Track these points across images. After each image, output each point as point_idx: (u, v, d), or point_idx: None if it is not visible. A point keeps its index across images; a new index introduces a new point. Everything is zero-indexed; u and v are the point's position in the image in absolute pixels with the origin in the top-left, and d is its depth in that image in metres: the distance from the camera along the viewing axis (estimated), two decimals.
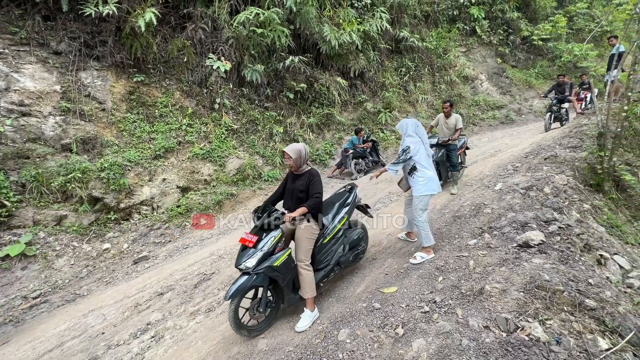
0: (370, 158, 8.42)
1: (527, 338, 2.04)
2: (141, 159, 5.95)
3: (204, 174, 6.64)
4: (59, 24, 5.83)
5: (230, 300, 2.52)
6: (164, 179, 6.11)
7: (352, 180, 7.75)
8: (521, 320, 2.19)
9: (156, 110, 6.62)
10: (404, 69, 11.43)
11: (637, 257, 3.57)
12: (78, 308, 3.82)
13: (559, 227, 3.30)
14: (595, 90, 9.30)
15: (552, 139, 6.62)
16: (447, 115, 5.60)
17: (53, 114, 5.40)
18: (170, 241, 5.45)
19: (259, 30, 7.31)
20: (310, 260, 2.84)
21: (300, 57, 8.09)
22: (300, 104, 8.81)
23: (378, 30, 9.64)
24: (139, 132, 6.20)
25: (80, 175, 5.13)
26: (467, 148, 6.46)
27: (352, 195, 3.43)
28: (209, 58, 7.06)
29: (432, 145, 5.48)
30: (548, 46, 15.16)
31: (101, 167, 5.41)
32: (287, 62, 7.86)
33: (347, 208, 3.29)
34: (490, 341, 2.09)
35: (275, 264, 2.62)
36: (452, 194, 5.46)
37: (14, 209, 4.62)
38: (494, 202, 4.34)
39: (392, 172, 3.43)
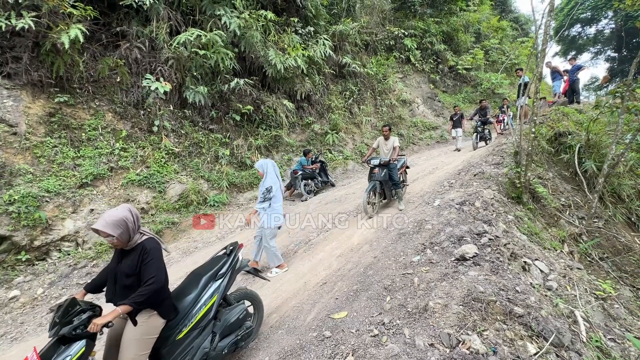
0: (320, 179, 8.52)
1: (468, 352, 2.13)
2: (63, 189, 5.26)
3: (141, 201, 6.09)
4: None
5: None
6: (92, 210, 5.45)
7: (302, 201, 7.74)
8: (462, 334, 2.29)
9: (83, 134, 5.97)
10: (348, 93, 12.02)
11: (553, 261, 4.04)
12: None
13: (489, 239, 3.61)
14: (510, 114, 10.72)
15: (479, 157, 7.38)
16: (387, 138, 6.01)
17: None
18: None
19: (202, 52, 7.15)
20: None
21: (246, 79, 8.05)
22: (248, 125, 8.68)
23: (322, 55, 10.07)
24: (60, 158, 5.51)
25: None
26: (408, 167, 6.90)
27: (229, 261, 2.60)
28: (146, 78, 6.66)
29: (375, 166, 5.75)
30: (470, 74, 17.25)
31: (10, 200, 4.65)
32: (232, 84, 7.75)
33: (219, 282, 2.45)
34: (436, 359, 2.14)
35: None
36: (399, 209, 5.74)
37: None
38: (434, 217, 4.62)
39: (262, 210, 3.96)
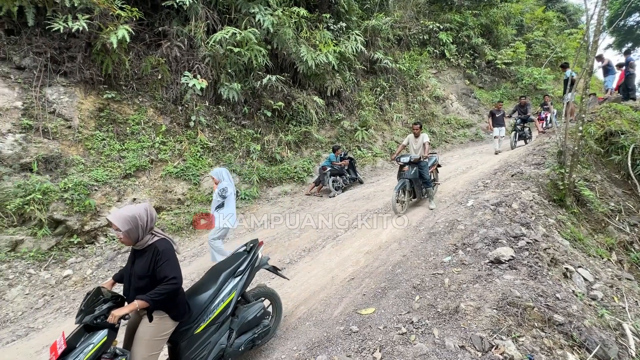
0: (348, 175, 8.51)
1: (501, 357, 2.06)
2: (110, 178, 5.68)
3: (178, 193, 6.42)
4: (24, 38, 5.60)
5: None
6: (134, 199, 5.84)
7: (330, 197, 7.77)
8: (495, 338, 2.21)
9: (127, 128, 6.39)
10: (379, 89, 11.83)
11: (599, 269, 3.77)
12: (30, 344, 3.47)
13: (527, 242, 3.43)
14: (555, 111, 10.02)
15: (518, 157, 6.99)
16: (417, 135, 5.87)
17: (12, 132, 5.08)
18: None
19: (236, 49, 7.36)
20: None
21: (278, 76, 8.18)
22: (278, 121, 8.84)
23: (353, 51, 9.99)
24: (108, 150, 5.95)
25: (40, 197, 4.80)
26: (439, 166, 6.70)
27: (249, 258, 2.61)
28: (184, 76, 6.98)
29: (405, 163, 5.64)
30: (510, 69, 16.29)
31: (64, 188, 5.10)
32: (265, 80, 7.92)
33: (238, 279, 2.47)
34: None
35: None
36: (430, 209, 5.61)
37: None
38: (467, 218, 4.47)
39: (216, 211, 4.25)
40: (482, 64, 15.90)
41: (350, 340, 2.55)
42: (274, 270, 2.95)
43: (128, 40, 5.93)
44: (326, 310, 3.12)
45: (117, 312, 1.82)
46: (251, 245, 2.74)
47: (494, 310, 2.47)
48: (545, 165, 5.79)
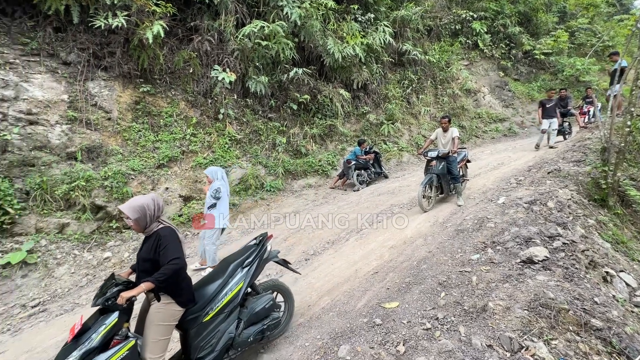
0: (373, 169, 8.42)
1: (531, 359, 1.99)
2: (144, 168, 5.99)
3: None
4: (69, 35, 5.97)
5: None
6: (167, 188, 6.13)
7: (354, 191, 7.75)
8: (525, 339, 2.14)
9: (161, 120, 6.69)
10: (406, 82, 11.54)
11: None
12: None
13: (564, 243, 3.26)
14: (599, 104, 9.30)
15: (555, 153, 6.60)
16: (445, 130, 5.68)
17: (60, 123, 5.48)
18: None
19: (264, 43, 7.44)
20: (162, 356, 2.10)
21: (304, 69, 8.20)
22: (304, 115, 8.88)
23: (381, 43, 9.78)
24: (143, 142, 6.26)
25: (84, 184, 5.17)
26: (469, 161, 6.46)
27: (257, 250, 2.65)
28: (214, 69, 7.17)
29: (432, 158, 5.50)
30: (550, 60, 15.28)
31: (105, 176, 5.45)
32: (291, 73, 7.96)
33: (246, 269, 2.52)
34: None
35: None
36: (458, 205, 5.45)
37: (17, 217, 4.64)
38: (497, 216, 4.31)
39: (209, 210, 4.22)
40: (519, 55, 15.03)
41: (373, 332, 2.57)
42: (284, 263, 2.94)
43: (162, 35, 6.15)
44: (349, 302, 3.15)
45: (125, 294, 1.93)
46: (260, 238, 2.78)
47: (525, 311, 2.38)
48: (586, 162, 5.44)
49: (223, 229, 4.41)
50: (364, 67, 9.82)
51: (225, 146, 7.21)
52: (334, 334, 2.66)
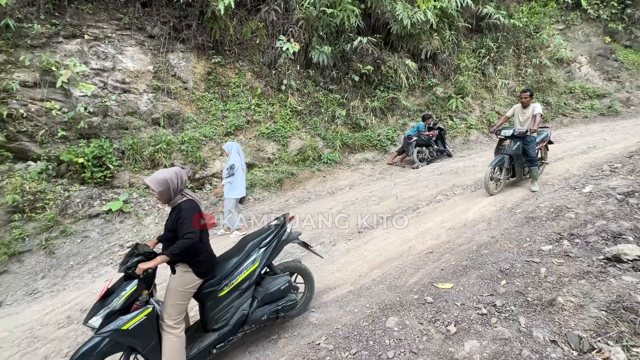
0: (435, 147, 7.95)
1: None
2: (214, 135, 6.51)
3: (268, 152, 7.01)
4: (154, 9, 6.52)
5: None
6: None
7: (413, 168, 7.46)
8: (599, 341, 1.94)
9: (229, 90, 7.10)
10: (483, 50, 10.32)
11: None
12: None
13: None
14: None
15: None
16: (525, 106, 4.99)
17: (146, 92, 6.16)
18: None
19: (329, 11, 7.24)
20: (178, 320, 2.20)
21: (369, 37, 7.83)
22: (365, 86, 8.61)
23: (457, 6, 8.79)
24: (214, 110, 6.76)
25: (165, 147, 5.84)
26: (550, 142, 5.69)
27: (276, 231, 2.63)
28: (279, 39, 7.26)
29: (506, 137, 4.97)
30: None
31: (182, 141, 6.07)
32: (355, 43, 7.68)
33: (262, 250, 2.54)
34: (557, 357, 1.90)
35: (124, 327, 2.00)
36: (532, 190, 4.93)
37: (115, 172, 5.48)
38: (580, 206, 3.81)
39: (227, 184, 4.69)
40: (636, 15, 12.29)
41: (423, 309, 2.56)
42: (305, 245, 2.90)
43: (233, 6, 6.36)
44: (401, 277, 3.15)
45: (142, 265, 2.05)
46: (282, 219, 2.76)
47: (602, 312, 2.14)
48: None
49: (242, 198, 4.96)
50: (435, 34, 9.01)
51: (286, 117, 7.42)
52: (383, 305, 2.72)
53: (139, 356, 2.22)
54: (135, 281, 2.07)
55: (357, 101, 8.34)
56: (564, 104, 10.74)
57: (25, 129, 4.96)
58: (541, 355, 1.93)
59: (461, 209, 4.66)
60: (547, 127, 5.94)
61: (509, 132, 4.96)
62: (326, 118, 7.97)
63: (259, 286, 2.55)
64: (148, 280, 2.17)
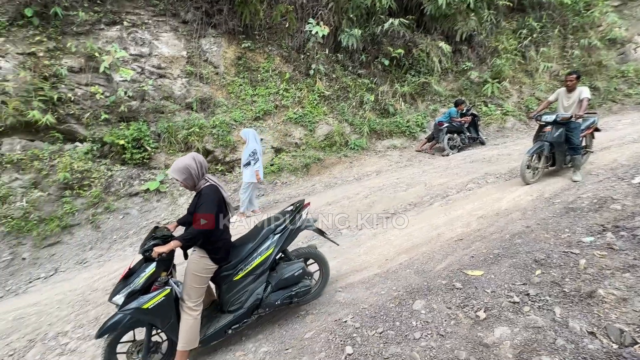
0: (467, 134, 7.64)
1: None
2: (244, 119, 6.64)
3: (296, 137, 7.06)
4: None
5: (100, 338, 2.12)
6: (261, 139, 6.71)
7: (443, 155, 7.24)
8: None
9: (258, 75, 7.17)
10: (525, 31, 9.62)
11: None
12: None
13: None
14: None
15: None
16: (570, 90, 4.62)
17: (180, 76, 6.37)
18: (263, 195, 6.10)
19: None
20: (198, 302, 2.28)
21: (401, 19, 7.54)
22: (395, 71, 8.37)
23: None
24: (243, 95, 6.87)
25: (198, 130, 6.05)
26: (597, 130, 5.28)
27: (292, 218, 2.65)
28: (308, 23, 7.18)
29: (548, 123, 4.68)
30: None
31: (213, 125, 6.25)
32: (386, 25, 7.44)
33: (277, 236, 2.56)
34: (595, 348, 1.83)
35: (144, 306, 2.11)
36: (574, 180, 4.64)
37: (152, 154, 5.78)
38: (628, 197, 3.56)
39: (260, 170, 4.89)
40: None
41: (451, 294, 2.54)
42: (320, 232, 2.90)
43: None
44: (429, 263, 3.13)
45: (157, 249, 2.10)
46: (298, 205, 2.77)
47: None
48: None
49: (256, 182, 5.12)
50: (472, 14, 8.51)
51: (314, 102, 7.40)
52: (410, 288, 2.73)
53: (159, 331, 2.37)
54: (154, 263, 2.16)
55: (386, 86, 8.14)
56: (615, 89, 9.86)
57: (72, 112, 5.31)
58: (577, 345, 1.87)
59: (494, 198, 4.50)
60: (595, 114, 5.51)
61: (550, 118, 4.66)
62: (354, 103, 7.86)
63: (273, 272, 2.59)
64: (166, 262, 2.24)
